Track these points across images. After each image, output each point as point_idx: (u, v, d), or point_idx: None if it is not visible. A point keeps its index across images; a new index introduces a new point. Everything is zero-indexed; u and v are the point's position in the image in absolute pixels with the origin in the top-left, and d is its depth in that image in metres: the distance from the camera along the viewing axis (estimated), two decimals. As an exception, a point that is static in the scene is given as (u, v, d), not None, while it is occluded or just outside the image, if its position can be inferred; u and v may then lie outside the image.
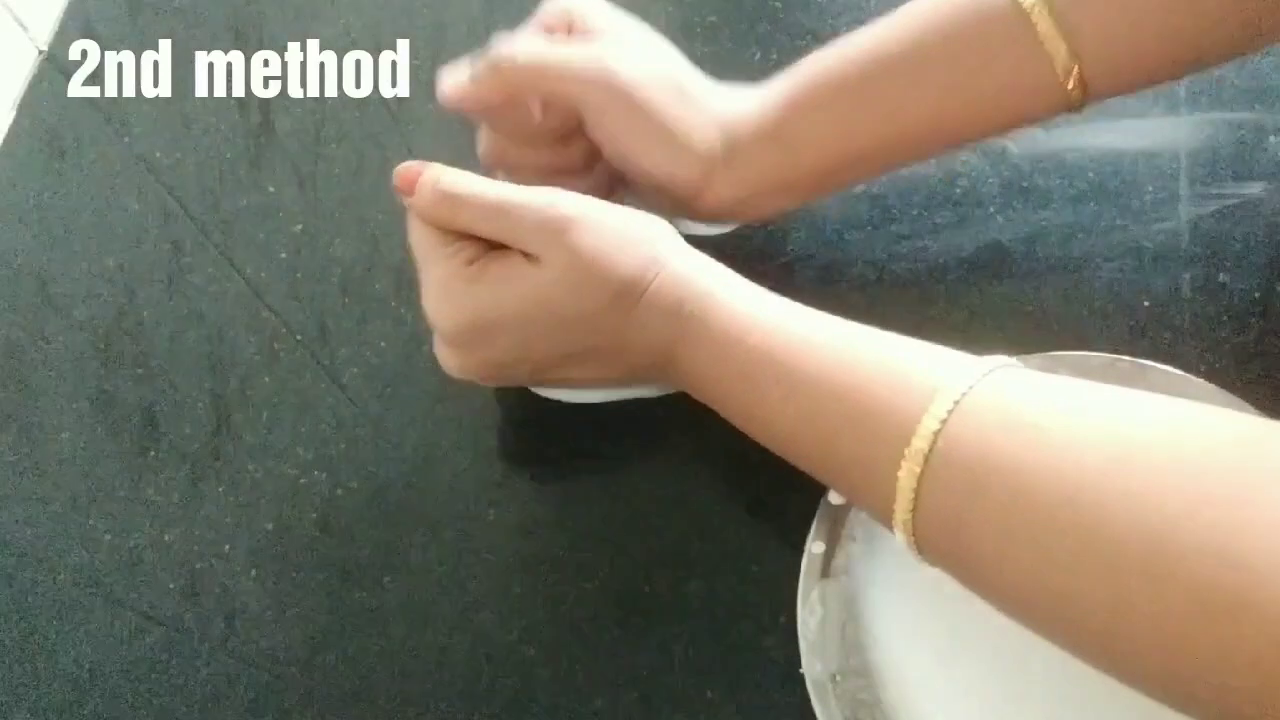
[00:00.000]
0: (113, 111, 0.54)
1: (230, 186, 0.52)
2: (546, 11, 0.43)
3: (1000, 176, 0.49)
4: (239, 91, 0.55)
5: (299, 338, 0.48)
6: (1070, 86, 0.38)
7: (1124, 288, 0.45)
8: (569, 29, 0.43)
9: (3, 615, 0.42)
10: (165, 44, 0.55)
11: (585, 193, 0.39)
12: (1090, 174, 0.48)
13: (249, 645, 0.41)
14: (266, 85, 0.55)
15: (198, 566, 0.43)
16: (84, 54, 0.55)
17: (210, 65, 0.55)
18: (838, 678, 0.37)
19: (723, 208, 0.42)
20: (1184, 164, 0.48)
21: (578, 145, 0.43)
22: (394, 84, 0.55)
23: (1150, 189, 0.47)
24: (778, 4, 0.55)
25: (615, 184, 0.45)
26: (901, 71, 0.40)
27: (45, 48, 0.56)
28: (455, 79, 0.42)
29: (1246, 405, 0.39)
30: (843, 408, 0.33)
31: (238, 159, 0.53)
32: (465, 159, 0.53)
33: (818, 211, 0.49)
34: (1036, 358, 0.41)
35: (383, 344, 0.48)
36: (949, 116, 0.40)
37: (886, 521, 0.33)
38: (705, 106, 0.42)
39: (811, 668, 0.37)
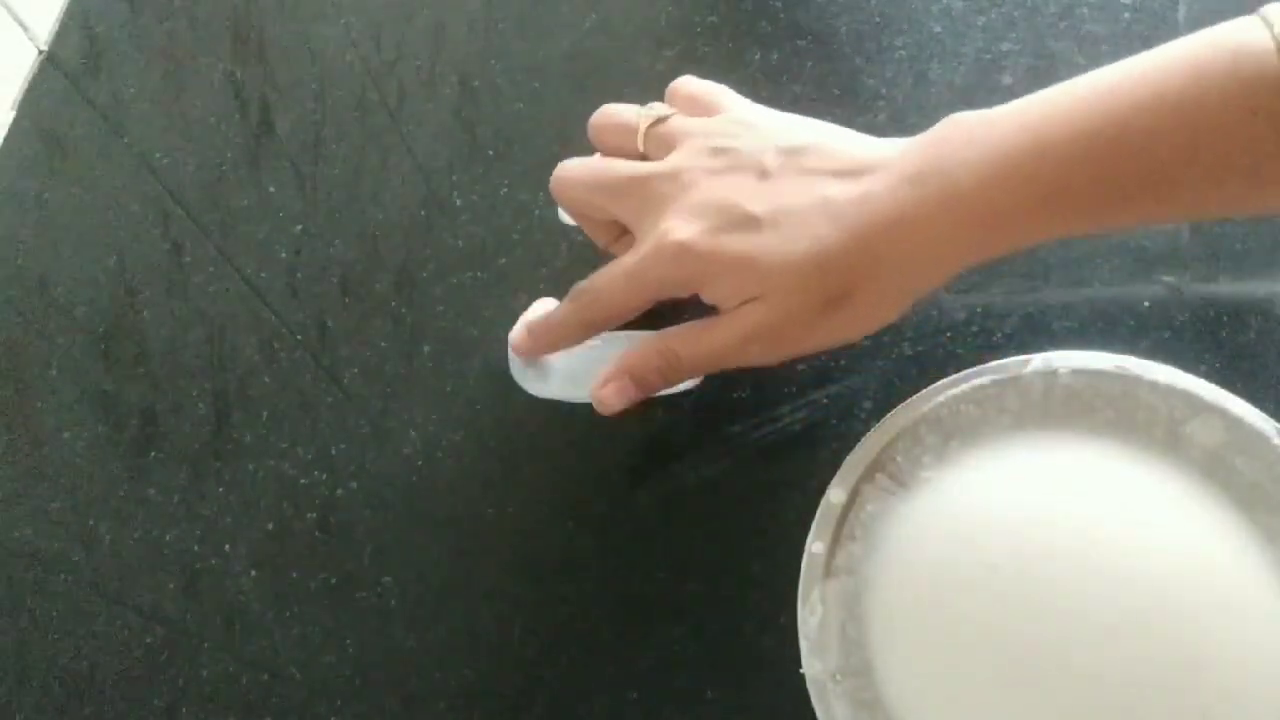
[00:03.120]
0: (113, 111, 0.54)
1: (230, 186, 0.52)
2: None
3: (1000, 176, 0.49)
4: (239, 92, 0.55)
5: (299, 338, 0.48)
6: None
7: (1124, 288, 0.45)
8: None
9: (3, 615, 0.42)
10: (165, 44, 0.55)
11: None
12: (1090, 174, 0.48)
13: (249, 645, 0.41)
14: (266, 85, 0.55)
15: (198, 566, 0.43)
16: (84, 54, 0.55)
17: (210, 65, 0.55)
18: (838, 677, 0.37)
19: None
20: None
21: None
22: (394, 84, 0.55)
23: (1150, 189, 0.47)
24: (778, 4, 0.55)
25: None
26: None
27: (45, 48, 0.56)
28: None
29: (1246, 405, 0.39)
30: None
31: (238, 159, 0.53)
32: (463, 159, 0.53)
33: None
34: (1037, 358, 0.41)
35: (383, 344, 0.48)
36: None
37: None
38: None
39: (811, 668, 0.37)
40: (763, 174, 0.39)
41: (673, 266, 0.39)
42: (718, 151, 0.41)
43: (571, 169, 0.44)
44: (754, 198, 0.39)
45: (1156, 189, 0.35)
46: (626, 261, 0.41)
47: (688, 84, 0.44)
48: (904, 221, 0.37)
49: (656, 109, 0.43)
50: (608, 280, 0.42)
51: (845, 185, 0.38)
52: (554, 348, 0.45)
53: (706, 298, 0.40)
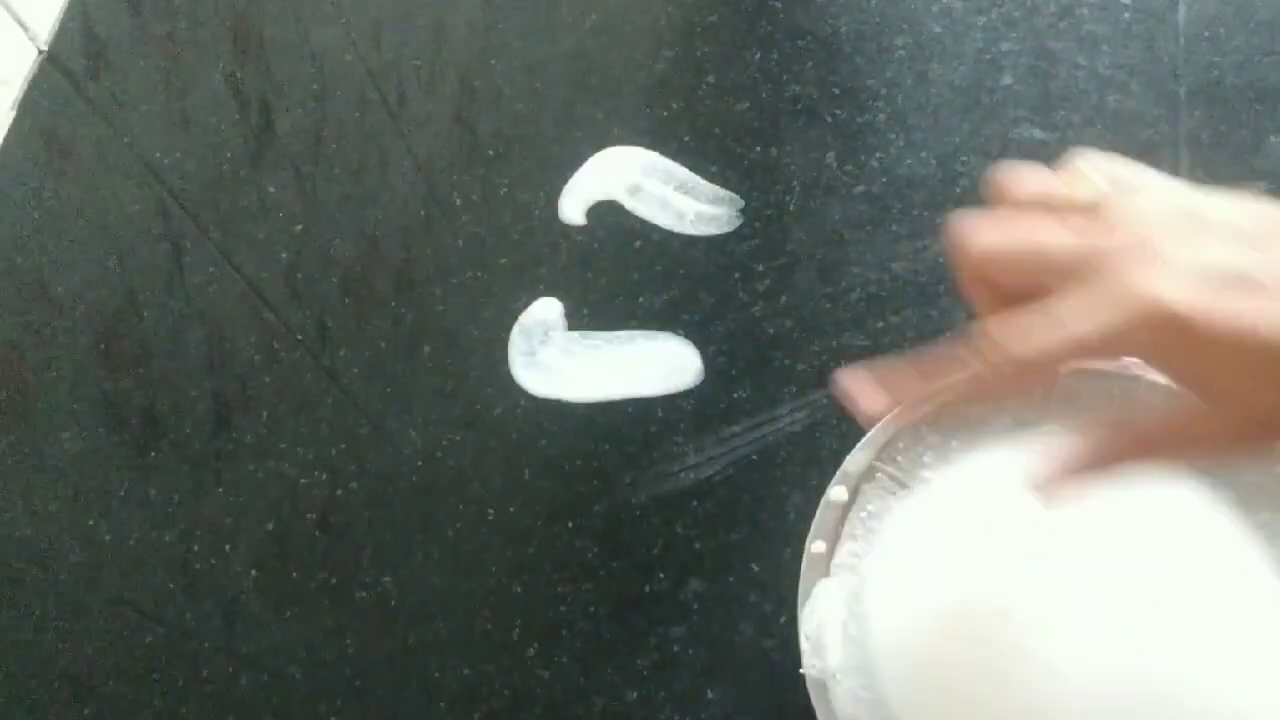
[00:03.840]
0: (113, 111, 0.54)
1: (230, 186, 0.52)
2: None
3: (1000, 176, 0.49)
4: (239, 91, 0.55)
5: (299, 338, 0.48)
6: None
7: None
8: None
9: (3, 615, 0.42)
10: (165, 44, 0.55)
11: None
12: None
13: (249, 645, 0.41)
14: (266, 85, 0.55)
15: (198, 566, 0.43)
16: (84, 54, 0.55)
17: (210, 65, 0.55)
18: (838, 676, 0.37)
19: None
20: (1184, 164, 0.48)
21: None
22: (394, 84, 0.55)
23: (1150, 189, 0.47)
24: (778, 4, 0.55)
25: None
26: None
27: (45, 48, 0.56)
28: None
29: (1246, 405, 0.39)
30: None
31: (238, 159, 0.53)
32: (463, 159, 0.53)
33: (818, 211, 0.49)
34: (1036, 357, 0.41)
35: (383, 344, 0.48)
36: None
37: None
38: None
39: (811, 667, 0.37)
40: (1249, 239, 0.30)
41: (1151, 339, 0.30)
42: (1189, 215, 0.31)
43: (987, 231, 0.34)
44: (1252, 263, 0.29)
45: None
46: (1074, 305, 0.30)
47: (1099, 163, 0.34)
48: None
49: (1089, 179, 0.34)
50: (1055, 320, 0.30)
51: None
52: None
53: (1196, 389, 0.31)
